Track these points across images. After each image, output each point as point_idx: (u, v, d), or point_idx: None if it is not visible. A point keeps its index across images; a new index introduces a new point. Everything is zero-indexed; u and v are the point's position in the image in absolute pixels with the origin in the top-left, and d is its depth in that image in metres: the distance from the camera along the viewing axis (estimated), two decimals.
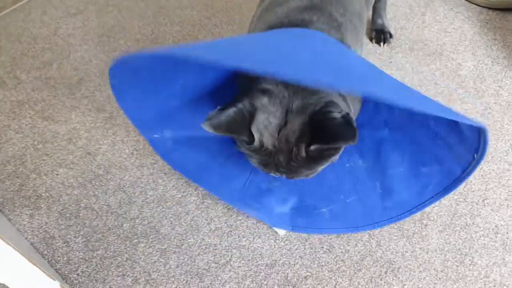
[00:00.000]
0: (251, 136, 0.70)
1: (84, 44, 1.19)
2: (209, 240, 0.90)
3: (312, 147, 0.69)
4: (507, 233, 0.88)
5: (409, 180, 0.81)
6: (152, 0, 1.31)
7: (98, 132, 1.04)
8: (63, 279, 0.87)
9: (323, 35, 0.72)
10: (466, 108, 1.05)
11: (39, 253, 0.89)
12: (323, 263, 0.86)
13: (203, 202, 0.94)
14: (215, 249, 0.89)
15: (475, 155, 0.68)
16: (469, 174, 0.70)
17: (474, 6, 1.27)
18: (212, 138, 0.89)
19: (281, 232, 0.88)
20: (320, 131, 0.68)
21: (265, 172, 0.79)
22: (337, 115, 0.67)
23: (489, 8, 1.26)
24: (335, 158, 0.76)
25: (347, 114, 0.68)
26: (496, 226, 0.89)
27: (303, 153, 0.70)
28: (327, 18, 0.76)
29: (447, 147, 0.74)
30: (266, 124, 0.70)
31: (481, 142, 0.65)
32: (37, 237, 0.91)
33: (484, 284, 0.83)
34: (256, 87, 0.72)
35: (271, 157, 0.73)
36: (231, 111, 0.67)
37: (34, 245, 0.90)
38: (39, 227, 0.92)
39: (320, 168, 0.77)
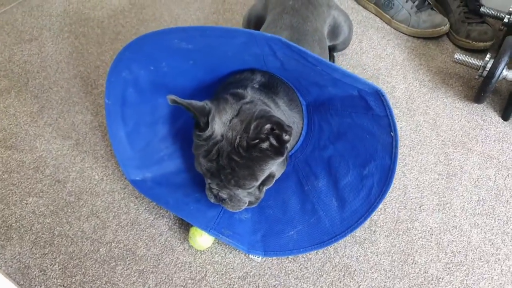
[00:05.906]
0: (207, 124, 0.83)
1: (42, 71, 1.19)
2: (184, 259, 0.97)
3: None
4: (440, 233, 1.04)
5: (357, 186, 0.92)
6: (109, 27, 1.34)
7: (66, 159, 1.06)
8: None
9: None
10: (401, 125, 1.21)
11: (15, 282, 0.91)
12: (289, 272, 0.97)
13: (175, 223, 1.01)
14: (191, 266, 0.96)
15: (392, 134, 0.81)
16: (395, 157, 0.83)
17: (402, 34, 1.45)
18: (187, 179, 1.02)
19: (257, 259, 0.97)
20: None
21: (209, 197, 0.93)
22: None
23: (413, 36, 1.44)
24: (273, 168, 0.88)
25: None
26: (431, 228, 1.05)
27: (244, 143, 0.82)
28: None
29: (374, 138, 0.85)
30: (223, 113, 0.84)
31: (386, 108, 0.78)
32: (11, 267, 0.92)
33: (424, 279, 0.98)
34: (228, 92, 0.89)
35: (215, 146, 0.84)
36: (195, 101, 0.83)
37: (10, 275, 0.91)
38: (12, 257, 0.93)
39: (259, 177, 0.87)
